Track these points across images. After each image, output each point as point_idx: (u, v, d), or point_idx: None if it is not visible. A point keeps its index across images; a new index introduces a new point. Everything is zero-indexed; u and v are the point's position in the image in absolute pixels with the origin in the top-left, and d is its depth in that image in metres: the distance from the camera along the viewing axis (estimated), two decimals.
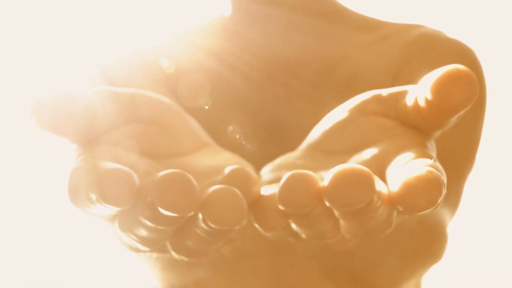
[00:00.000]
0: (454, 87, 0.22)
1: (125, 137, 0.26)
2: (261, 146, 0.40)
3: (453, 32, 0.47)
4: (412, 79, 0.32)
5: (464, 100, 0.22)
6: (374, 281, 0.41)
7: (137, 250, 0.24)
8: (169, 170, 0.20)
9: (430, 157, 0.23)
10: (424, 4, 0.88)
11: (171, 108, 0.28)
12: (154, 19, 0.48)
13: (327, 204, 0.20)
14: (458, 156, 0.43)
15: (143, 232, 0.22)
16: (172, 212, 0.20)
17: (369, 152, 0.26)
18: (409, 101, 0.25)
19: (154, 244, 0.23)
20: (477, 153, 0.45)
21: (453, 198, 0.43)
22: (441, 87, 0.23)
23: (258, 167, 0.30)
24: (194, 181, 0.20)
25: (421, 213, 0.20)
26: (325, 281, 0.40)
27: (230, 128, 0.40)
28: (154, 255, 0.40)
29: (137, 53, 0.43)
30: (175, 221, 0.21)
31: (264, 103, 0.42)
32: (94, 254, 0.81)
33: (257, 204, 0.24)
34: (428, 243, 0.41)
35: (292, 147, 0.31)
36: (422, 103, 0.24)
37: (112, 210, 0.21)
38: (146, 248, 0.24)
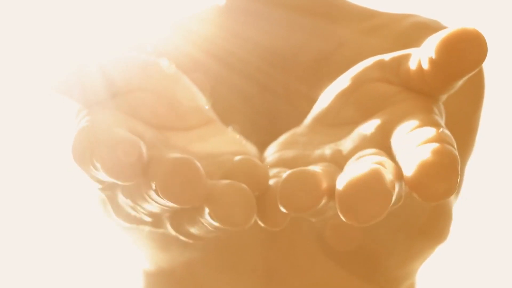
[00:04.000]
0: (463, 48, 0.21)
1: (132, 104, 0.25)
2: (261, 145, 0.41)
3: (450, 21, 0.46)
4: None
5: (473, 61, 0.21)
6: (382, 263, 0.40)
7: (134, 221, 0.24)
8: (177, 156, 0.19)
9: (436, 124, 0.22)
10: None
11: (182, 81, 0.28)
12: (152, 8, 0.47)
13: (342, 219, 0.19)
14: (458, 140, 0.43)
15: (145, 204, 0.22)
16: (176, 203, 0.19)
17: (374, 122, 0.25)
18: (412, 64, 0.24)
19: (155, 216, 0.23)
20: (476, 138, 0.45)
21: None
22: (449, 48, 0.21)
23: None
24: (202, 170, 0.19)
25: (440, 201, 0.19)
26: (332, 265, 0.40)
27: (230, 128, 0.40)
28: (146, 233, 0.39)
29: (136, 52, 0.42)
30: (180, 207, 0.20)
31: (263, 102, 0.42)
32: (85, 241, 0.82)
33: (260, 199, 0.22)
34: (434, 222, 0.41)
35: None
36: (426, 66, 0.23)
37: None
38: (147, 219, 0.23)
